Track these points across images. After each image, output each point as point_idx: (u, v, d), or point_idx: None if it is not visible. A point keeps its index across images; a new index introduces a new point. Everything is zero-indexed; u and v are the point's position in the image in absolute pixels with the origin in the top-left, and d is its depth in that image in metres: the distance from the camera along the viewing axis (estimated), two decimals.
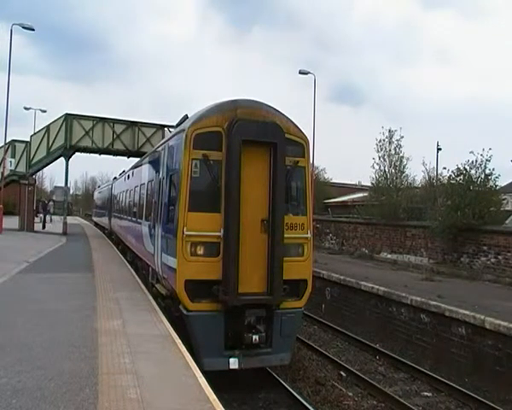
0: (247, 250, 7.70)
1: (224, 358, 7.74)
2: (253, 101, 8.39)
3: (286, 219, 8.03)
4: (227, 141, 7.71)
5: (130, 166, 18.99)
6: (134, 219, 14.09)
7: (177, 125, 9.87)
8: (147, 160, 13.24)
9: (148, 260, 11.15)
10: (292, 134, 8.32)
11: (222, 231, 7.67)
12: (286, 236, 7.96)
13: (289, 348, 8.56)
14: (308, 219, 8.55)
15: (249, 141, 7.71)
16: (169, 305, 8.94)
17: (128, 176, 18.00)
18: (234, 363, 7.73)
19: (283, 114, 8.47)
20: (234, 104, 8.10)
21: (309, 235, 8.49)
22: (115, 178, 26.28)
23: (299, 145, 8.47)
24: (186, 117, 9.47)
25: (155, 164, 11.02)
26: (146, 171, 12.87)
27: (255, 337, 7.67)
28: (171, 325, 7.71)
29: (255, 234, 7.86)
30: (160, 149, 10.77)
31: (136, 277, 12.91)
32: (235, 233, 7.54)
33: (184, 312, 7.83)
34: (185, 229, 7.65)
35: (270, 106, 8.43)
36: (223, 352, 7.77)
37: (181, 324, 8.00)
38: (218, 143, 7.82)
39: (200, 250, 7.75)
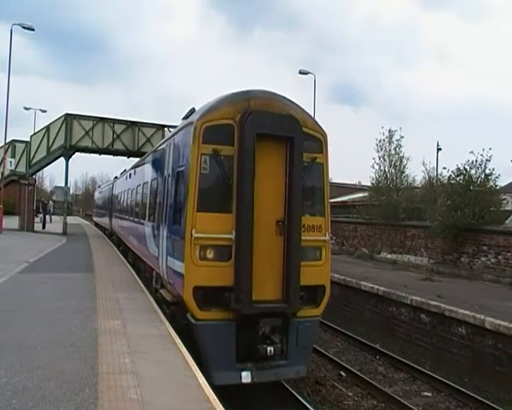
0: (260, 254, 7.11)
1: (236, 371, 7.16)
2: (267, 91, 7.77)
3: (303, 221, 7.44)
4: (239, 134, 7.10)
5: (132, 165, 18.56)
6: (136, 219, 13.59)
7: (184, 118, 9.18)
8: (150, 157, 12.63)
9: (151, 263, 10.61)
10: (309, 128, 7.74)
11: (234, 233, 7.07)
12: (302, 238, 7.38)
13: (305, 359, 7.99)
14: (326, 221, 7.95)
15: (263, 135, 7.11)
16: (175, 312, 8.30)
17: (130, 175, 17.43)
18: (246, 377, 7.16)
19: (300, 107, 7.93)
20: (247, 95, 7.47)
21: (327, 237, 7.92)
22: (116, 177, 26.08)
23: (317, 140, 7.88)
24: (193, 110, 8.78)
25: (160, 161, 10.39)
26: (149, 168, 12.26)
27: (270, 349, 7.06)
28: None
29: (270, 236, 7.28)
30: (164, 144, 10.14)
31: (137, 277, 12.88)
32: (248, 235, 6.96)
33: (192, 321, 7.19)
34: (194, 231, 7.05)
35: (285, 97, 7.85)
36: (234, 365, 7.18)
37: (188, 333, 7.42)
38: (229, 137, 7.20)
39: (210, 254, 7.14)
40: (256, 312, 7.05)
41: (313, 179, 7.93)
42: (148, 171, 12.55)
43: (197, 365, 5.87)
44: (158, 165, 10.79)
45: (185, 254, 7.10)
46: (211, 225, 7.14)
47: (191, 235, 7.05)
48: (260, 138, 7.07)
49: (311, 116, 8.05)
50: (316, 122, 8.05)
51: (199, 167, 7.20)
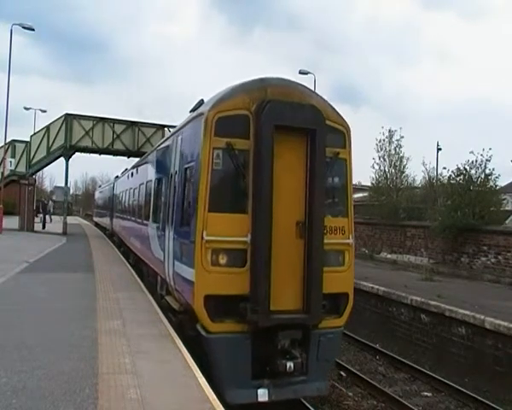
0: (279, 259, 6.43)
1: (252, 389, 6.51)
2: (285, 79, 7.14)
3: (325, 222, 6.79)
4: (256, 126, 6.45)
5: (135, 163, 18.18)
6: (139, 219, 13.02)
7: (192, 111, 8.42)
8: (154, 153, 11.91)
9: (155, 267, 9.97)
10: (332, 120, 7.05)
11: (249, 235, 6.43)
12: (325, 241, 6.73)
13: (327, 374, 7.39)
14: (349, 222, 7.25)
15: (282, 127, 6.44)
16: (182, 322, 7.67)
17: (132, 173, 16.82)
18: (263, 395, 6.50)
19: (321, 96, 7.31)
20: (263, 83, 6.83)
21: (350, 240, 7.21)
22: (117, 176, 25.87)
23: (340, 133, 7.18)
24: (202, 102, 8.02)
25: (165, 157, 9.71)
26: (153, 166, 11.63)
27: (289, 365, 6.36)
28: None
29: (289, 239, 6.61)
30: (170, 139, 9.49)
31: (137, 277, 12.86)
32: (265, 238, 6.28)
33: (203, 333, 6.53)
34: (205, 233, 6.37)
35: (305, 86, 7.29)
36: (250, 382, 6.51)
37: (197, 345, 6.81)
38: (244, 129, 6.54)
39: (223, 259, 6.47)
40: (274, 324, 6.41)
41: (335, 177, 7.31)
42: (151, 168, 12.01)
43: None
44: (163, 161, 10.16)
45: (195, 259, 6.45)
46: (224, 227, 6.47)
47: (202, 238, 6.39)
48: (279, 131, 6.42)
49: (332, 107, 7.32)
50: (338, 113, 7.33)
51: (210, 163, 6.51)
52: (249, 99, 6.60)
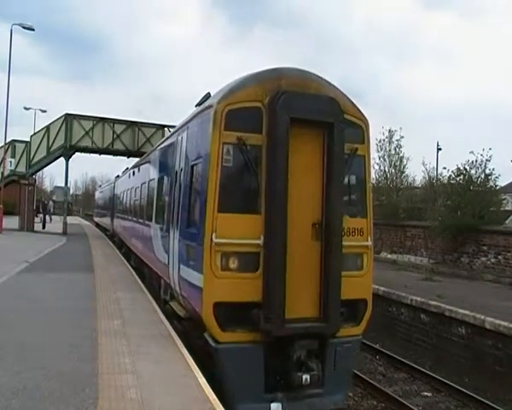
0: (294, 263, 6.02)
1: (265, 402, 6.05)
2: (300, 69, 6.70)
3: (343, 223, 6.37)
4: (269, 120, 6.03)
5: (136, 161, 17.98)
6: (141, 220, 12.66)
7: (199, 104, 7.86)
8: (157, 151, 11.46)
9: (159, 270, 9.56)
10: (350, 114, 6.63)
11: (262, 237, 6.00)
12: (342, 243, 6.33)
13: (345, 386, 6.96)
14: (368, 223, 6.86)
15: (297, 120, 6.01)
16: (188, 329, 7.31)
17: (133, 172, 16.43)
18: (276, 409, 6.09)
19: (338, 88, 6.84)
20: (276, 73, 6.43)
21: (369, 243, 6.84)
22: (118, 176, 25.66)
23: (358, 128, 6.77)
24: (208, 95, 7.51)
25: (170, 154, 9.26)
26: (156, 164, 11.20)
27: (306, 377, 5.95)
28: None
29: (305, 242, 6.20)
30: (175, 135, 9.04)
31: (137, 277, 12.87)
32: (279, 240, 5.86)
33: (212, 344, 6.06)
34: (214, 235, 5.93)
35: (322, 77, 6.81)
36: (262, 395, 6.08)
37: (205, 355, 6.43)
38: (256, 123, 6.11)
39: (234, 263, 6.03)
40: (289, 333, 5.99)
41: (354, 174, 6.86)
42: (154, 166, 11.61)
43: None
44: (167, 159, 9.70)
45: (204, 263, 6.00)
46: (235, 229, 6.04)
47: (211, 240, 5.94)
48: (294, 124, 6.00)
49: (350, 99, 6.89)
50: (356, 107, 6.90)
51: (220, 159, 6.05)
52: (262, 90, 6.16)
